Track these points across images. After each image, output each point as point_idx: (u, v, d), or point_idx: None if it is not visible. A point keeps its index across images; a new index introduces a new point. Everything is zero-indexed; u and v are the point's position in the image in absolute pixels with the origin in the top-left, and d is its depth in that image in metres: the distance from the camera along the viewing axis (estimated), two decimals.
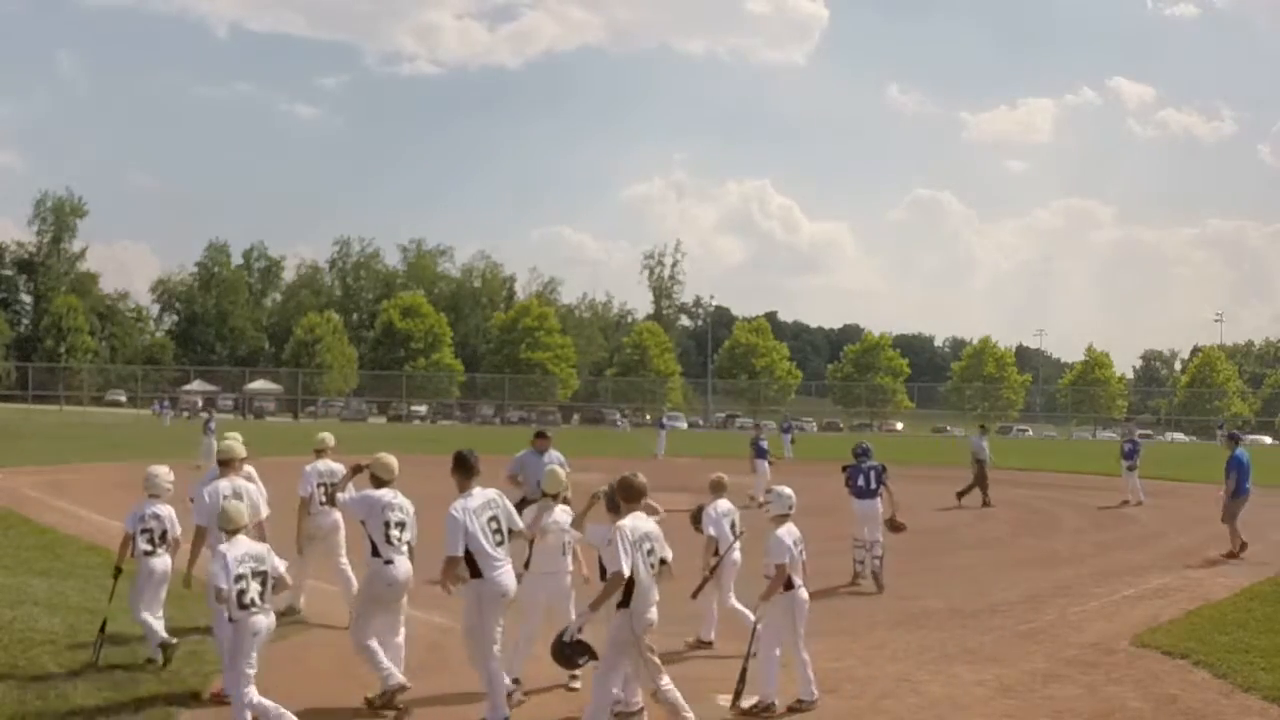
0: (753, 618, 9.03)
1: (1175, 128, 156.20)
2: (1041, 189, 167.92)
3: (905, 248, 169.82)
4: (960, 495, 22.50)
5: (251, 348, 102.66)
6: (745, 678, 7.48)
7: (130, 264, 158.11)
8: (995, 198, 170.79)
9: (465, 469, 7.22)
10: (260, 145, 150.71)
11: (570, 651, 6.47)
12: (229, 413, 68.85)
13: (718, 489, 9.47)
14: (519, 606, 7.85)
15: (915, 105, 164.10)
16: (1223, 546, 15.57)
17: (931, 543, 17.19)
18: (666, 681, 6.66)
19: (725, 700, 7.57)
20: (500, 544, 7.09)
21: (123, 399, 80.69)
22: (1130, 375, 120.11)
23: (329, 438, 10.66)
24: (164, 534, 8.26)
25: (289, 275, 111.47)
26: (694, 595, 8.53)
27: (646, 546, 6.63)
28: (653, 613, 6.65)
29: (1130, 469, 23.90)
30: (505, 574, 7.09)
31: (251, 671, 6.48)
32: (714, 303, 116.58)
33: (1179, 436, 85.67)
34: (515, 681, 7.74)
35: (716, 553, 8.92)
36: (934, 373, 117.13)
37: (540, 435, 11.84)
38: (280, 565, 6.75)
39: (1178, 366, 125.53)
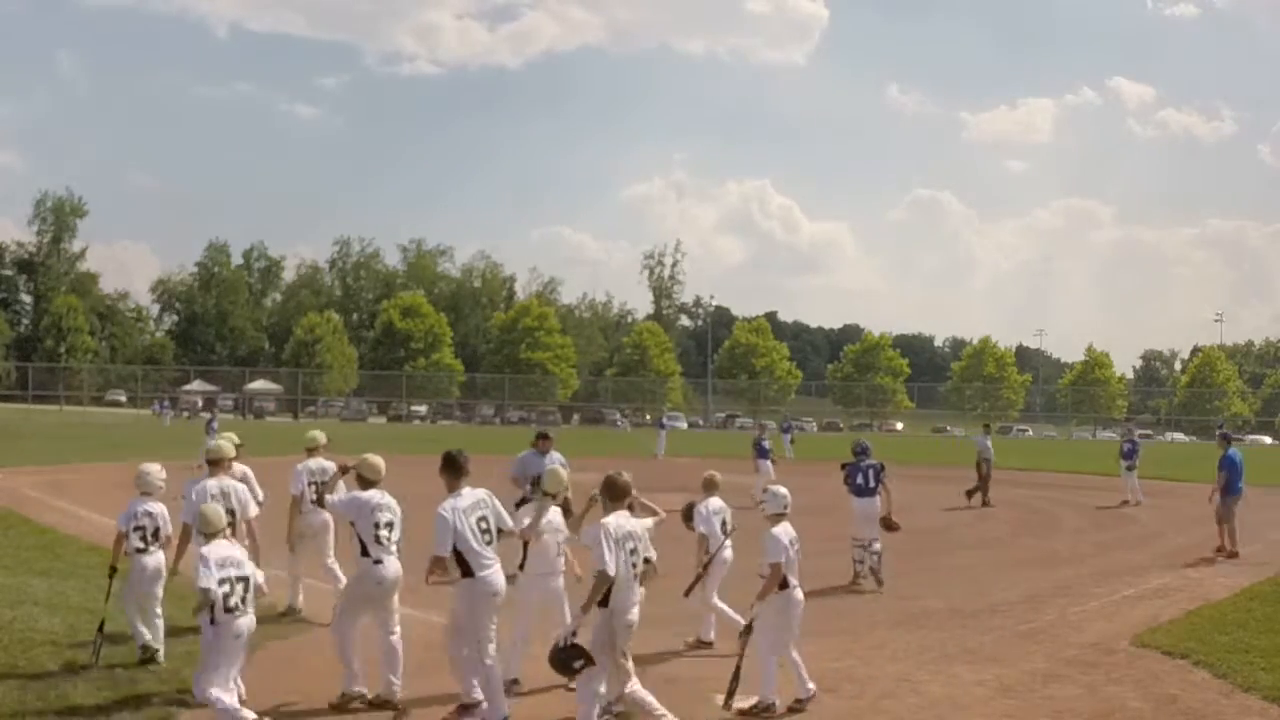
0: (732, 614, 9.08)
1: (1175, 128, 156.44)
2: (1041, 189, 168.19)
3: (905, 248, 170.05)
4: (970, 495, 22.45)
5: (251, 348, 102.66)
6: (738, 677, 7.48)
7: (130, 264, 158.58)
8: (995, 198, 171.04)
9: (454, 469, 7.23)
10: (260, 145, 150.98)
11: (566, 656, 6.47)
12: (229, 413, 68.80)
13: (709, 487, 9.48)
14: (514, 607, 7.86)
15: (915, 105, 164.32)
16: (1213, 545, 15.55)
17: (931, 543, 17.20)
18: (635, 684, 6.64)
19: (740, 701, 7.56)
20: (489, 543, 7.11)
21: (123, 399, 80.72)
22: (1130, 375, 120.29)
23: (320, 436, 10.70)
24: (156, 531, 8.27)
25: (289, 275, 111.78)
26: (686, 594, 8.54)
27: (630, 546, 6.63)
28: (634, 613, 6.65)
29: (1129, 469, 23.91)
30: (496, 573, 7.10)
31: (233, 672, 6.50)
32: (714, 303, 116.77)
33: (1179, 436, 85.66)
34: (514, 682, 7.75)
35: (708, 551, 8.93)
36: (934, 373, 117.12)
37: (543, 436, 11.81)
38: (259, 574, 6.79)
39: (1178, 366, 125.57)
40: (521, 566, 7.83)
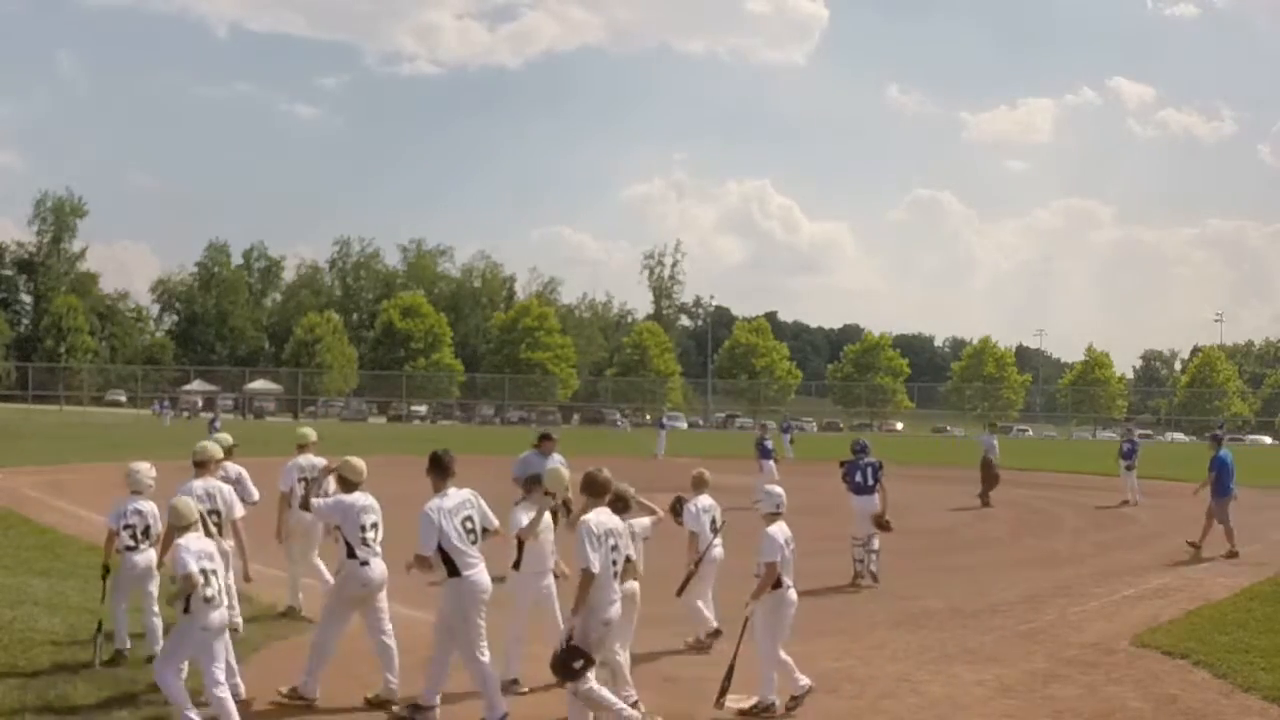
0: (707, 615, 9.08)
1: (1175, 128, 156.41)
2: (1041, 189, 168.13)
3: (905, 248, 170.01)
4: (987, 499, 22.34)
5: (251, 348, 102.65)
6: (730, 676, 7.48)
7: (130, 264, 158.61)
8: (995, 198, 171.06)
9: (440, 469, 7.26)
10: (260, 145, 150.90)
11: (566, 658, 6.47)
12: (229, 413, 68.81)
13: (699, 485, 9.49)
14: (508, 606, 7.88)
15: (915, 105, 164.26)
16: (1221, 546, 15.55)
17: (931, 543, 17.21)
18: (591, 683, 6.62)
19: (730, 700, 7.56)
20: (474, 543, 7.14)
21: (123, 399, 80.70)
22: (1130, 375, 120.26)
23: (310, 433, 10.81)
24: (147, 530, 8.28)
25: (289, 275, 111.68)
26: (679, 593, 8.54)
27: (611, 543, 6.65)
28: (613, 611, 6.65)
29: (1129, 469, 23.91)
30: (481, 572, 7.13)
31: (213, 667, 6.52)
32: (714, 303, 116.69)
33: (1179, 436, 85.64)
34: (514, 682, 7.75)
35: (698, 549, 8.94)
36: (934, 373, 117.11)
37: (546, 437, 11.80)
38: (231, 576, 6.89)
39: (1178, 366, 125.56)
40: (517, 566, 7.83)
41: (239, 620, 9.25)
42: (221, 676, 6.62)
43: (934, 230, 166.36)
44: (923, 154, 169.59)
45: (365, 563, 7.47)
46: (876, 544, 13.14)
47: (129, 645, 8.27)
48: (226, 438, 10.17)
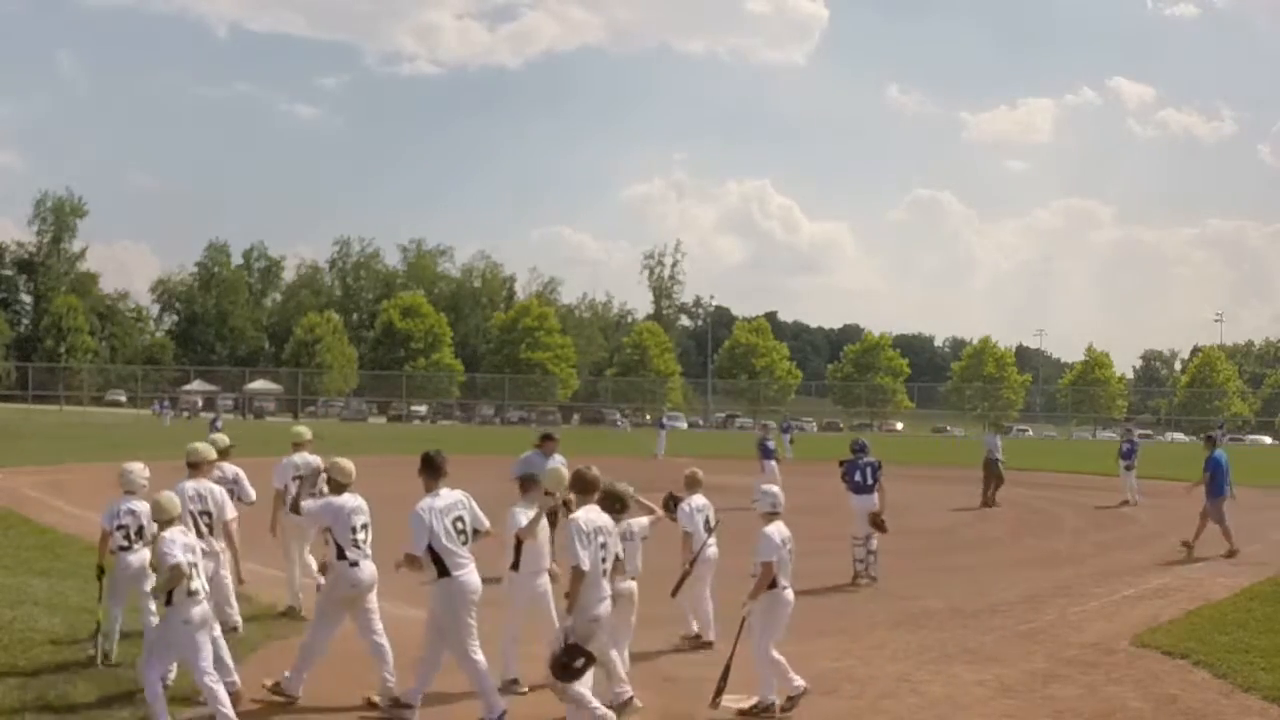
0: (690, 619, 9.06)
1: (1175, 128, 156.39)
2: (1041, 189, 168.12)
3: (905, 248, 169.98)
4: (993, 499, 22.26)
5: (251, 348, 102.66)
6: (726, 676, 7.47)
7: (130, 264, 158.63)
8: (995, 198, 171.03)
9: (432, 470, 7.27)
10: (260, 145, 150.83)
11: (567, 659, 6.47)
12: (229, 413, 68.81)
13: (692, 484, 9.49)
14: (505, 606, 7.88)
15: (915, 105, 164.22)
16: (1220, 546, 15.55)
17: (931, 543, 17.21)
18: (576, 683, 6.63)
19: (730, 700, 7.56)
20: (464, 543, 7.15)
21: (123, 399, 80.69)
22: (1130, 375, 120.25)
23: (305, 431, 10.86)
24: (140, 530, 8.28)
25: (289, 275, 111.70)
26: (674, 593, 8.53)
27: (600, 540, 6.66)
28: (602, 608, 6.65)
29: (1128, 469, 23.91)
30: (471, 573, 7.14)
31: (200, 661, 6.54)
32: (714, 303, 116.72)
33: (1179, 436, 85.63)
34: (513, 681, 7.75)
35: (692, 549, 8.94)
36: (934, 373, 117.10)
37: (548, 438, 11.83)
38: (206, 568, 6.89)
39: (1178, 366, 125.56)
40: (515, 566, 7.83)
41: (238, 620, 9.26)
42: (209, 667, 6.64)
43: (934, 230, 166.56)
44: (923, 154, 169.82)
45: (355, 564, 7.50)
46: (875, 544, 13.16)
47: (114, 650, 8.25)
48: (223, 438, 10.18)
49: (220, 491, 8.23)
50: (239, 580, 8.49)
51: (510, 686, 7.71)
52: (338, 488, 7.73)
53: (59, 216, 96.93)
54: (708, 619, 9.51)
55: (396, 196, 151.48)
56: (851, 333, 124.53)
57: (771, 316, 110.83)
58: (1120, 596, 12.34)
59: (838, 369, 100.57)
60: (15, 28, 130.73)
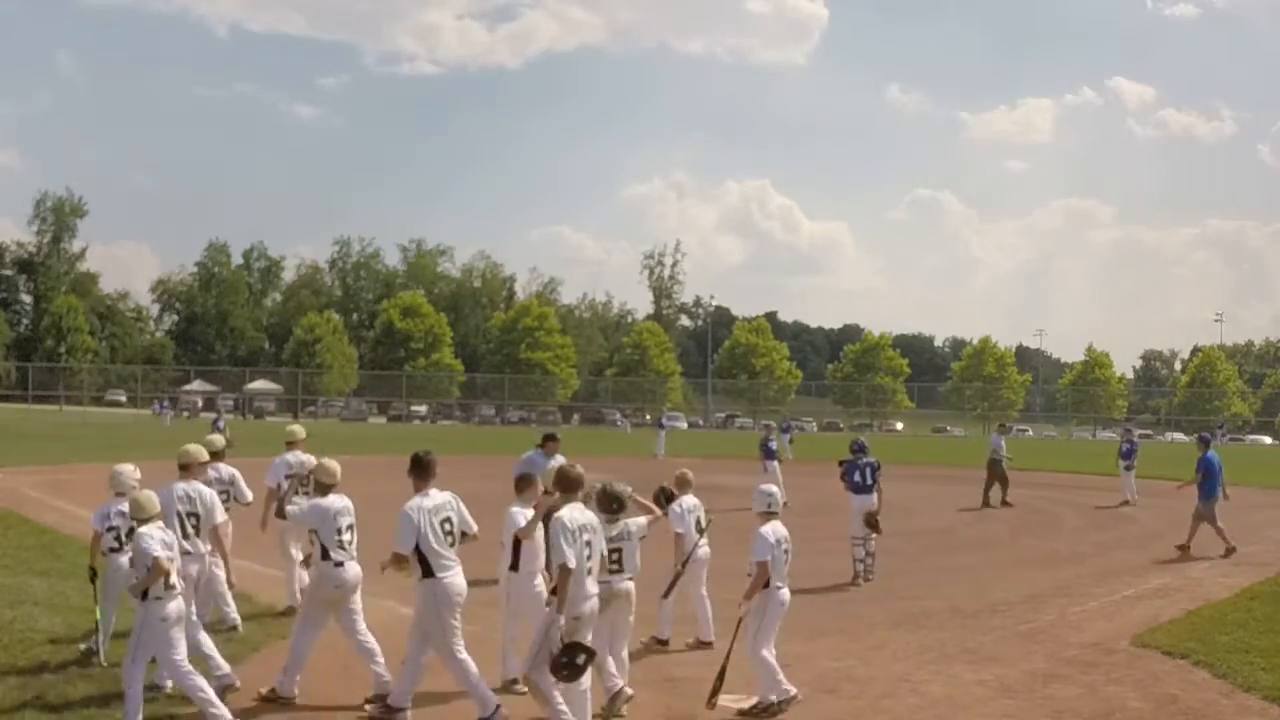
0: (666, 622, 9.11)
1: (1175, 128, 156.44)
2: (1041, 189, 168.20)
3: (905, 248, 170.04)
4: (1004, 501, 22.18)
5: (251, 348, 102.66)
6: (723, 676, 7.47)
7: (130, 264, 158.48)
8: (995, 198, 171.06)
9: (422, 470, 7.28)
10: (260, 145, 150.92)
11: (568, 658, 6.47)
12: (229, 413, 68.82)
13: (682, 485, 9.48)
14: (507, 607, 7.88)
15: (915, 105, 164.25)
16: (1218, 547, 15.56)
17: (931, 543, 17.22)
18: (545, 674, 6.64)
19: (729, 700, 7.55)
20: (451, 545, 7.16)
21: (123, 399, 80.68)
22: (1130, 375, 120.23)
23: (299, 430, 10.91)
24: (131, 531, 8.28)
25: (289, 275, 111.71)
26: (665, 595, 8.51)
27: (585, 538, 6.66)
28: (587, 605, 6.65)
29: (1128, 469, 23.91)
30: (456, 575, 7.14)
31: (175, 656, 6.57)
32: (714, 303, 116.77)
33: (1179, 436, 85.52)
34: (514, 682, 7.75)
35: (684, 550, 8.95)
36: (934, 373, 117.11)
37: (551, 438, 11.87)
38: (178, 560, 6.91)
39: (1178, 366, 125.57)
40: (515, 567, 7.83)
41: (237, 619, 9.28)
42: (184, 662, 6.66)
43: (934, 230, 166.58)
44: (923, 154, 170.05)
45: (340, 564, 7.54)
46: (873, 545, 13.21)
47: (103, 651, 8.25)
48: (218, 439, 10.21)
49: (210, 495, 8.18)
50: (229, 584, 8.52)
51: (510, 686, 7.72)
52: (323, 489, 7.79)
53: (59, 216, 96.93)
54: (706, 619, 9.52)
55: (396, 196, 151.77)
56: (851, 333, 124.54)
57: (771, 316, 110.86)
58: (1120, 596, 12.35)
59: (838, 369, 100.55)
60: (15, 28, 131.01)
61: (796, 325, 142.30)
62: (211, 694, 6.73)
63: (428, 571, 7.03)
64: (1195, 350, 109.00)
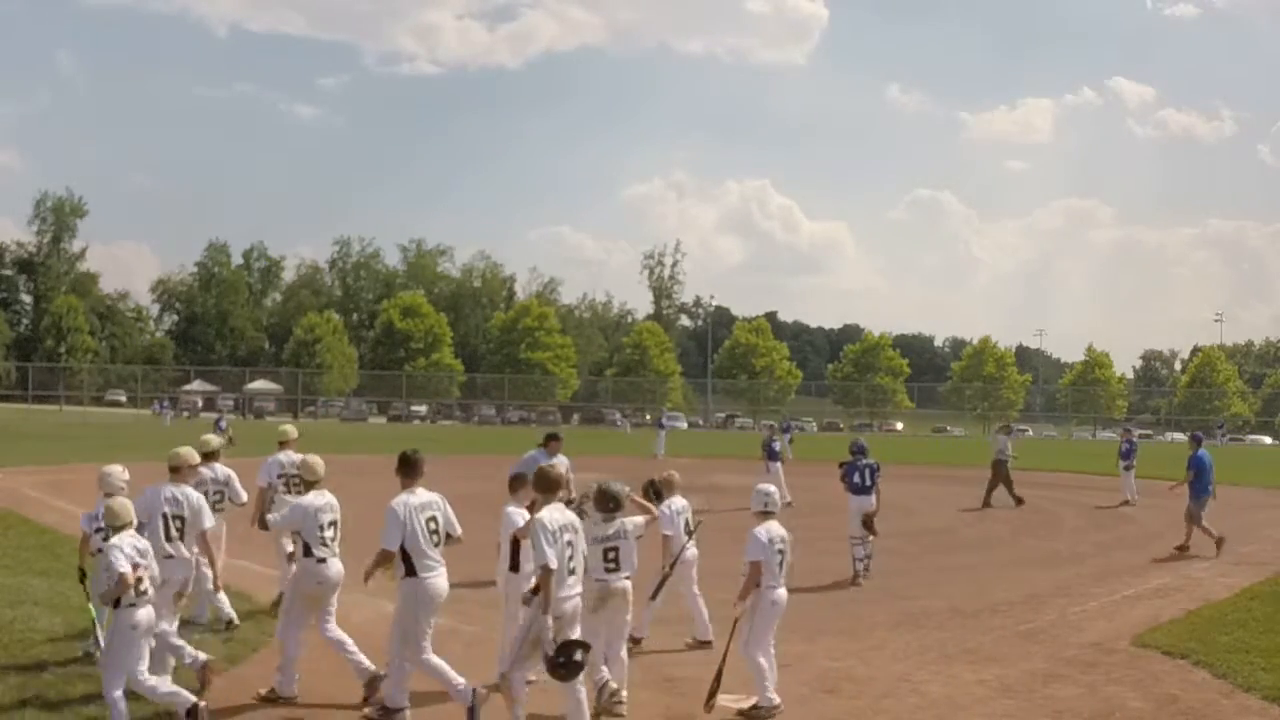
0: (645, 621, 9.04)
1: (1175, 128, 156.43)
2: (1041, 189, 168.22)
3: (905, 248, 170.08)
4: (1016, 499, 22.14)
5: (251, 348, 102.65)
6: (719, 678, 7.47)
7: (130, 264, 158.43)
8: (995, 198, 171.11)
9: (409, 468, 7.30)
10: (260, 145, 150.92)
11: (565, 657, 6.47)
12: (230, 413, 68.83)
13: (669, 486, 9.47)
14: (506, 609, 7.88)
15: (915, 105, 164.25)
16: (1213, 546, 15.56)
17: (931, 543, 17.21)
18: (518, 673, 6.65)
19: (729, 700, 7.55)
20: (436, 544, 7.16)
21: (123, 399, 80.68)
22: (1130, 375, 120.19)
23: (291, 430, 10.93)
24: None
25: (289, 275, 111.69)
26: (652, 596, 8.52)
27: (566, 538, 6.66)
28: (567, 606, 6.65)
29: (1127, 469, 23.91)
30: (439, 577, 7.14)
31: (140, 666, 6.57)
32: (714, 303, 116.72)
33: (1179, 437, 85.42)
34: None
35: (672, 552, 8.97)
36: (934, 373, 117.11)
37: (553, 438, 11.91)
38: (155, 566, 6.89)
39: (1178, 366, 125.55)
40: (515, 567, 7.83)
41: (231, 613, 9.28)
42: (144, 672, 6.64)
43: (934, 230, 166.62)
44: (923, 154, 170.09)
45: (322, 560, 7.57)
46: (870, 546, 13.25)
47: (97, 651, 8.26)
48: (212, 439, 10.21)
49: (198, 499, 8.14)
50: (216, 588, 8.59)
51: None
52: (307, 486, 7.84)
53: (59, 216, 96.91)
54: (703, 618, 9.53)
55: (396, 196, 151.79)
56: (851, 333, 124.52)
57: (771, 316, 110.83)
58: (1120, 596, 12.34)
59: (838, 369, 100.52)
60: (15, 28, 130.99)
61: (796, 325, 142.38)
62: (167, 691, 6.66)
63: (410, 570, 7.03)
64: (1195, 350, 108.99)
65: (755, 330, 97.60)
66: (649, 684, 8.09)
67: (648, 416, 79.48)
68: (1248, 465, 37.74)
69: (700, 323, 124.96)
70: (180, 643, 7.57)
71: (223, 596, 9.12)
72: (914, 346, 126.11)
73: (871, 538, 13.21)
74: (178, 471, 8.19)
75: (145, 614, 6.64)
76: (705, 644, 9.42)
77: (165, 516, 7.83)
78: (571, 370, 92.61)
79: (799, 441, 41.12)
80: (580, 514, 7.88)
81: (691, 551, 9.34)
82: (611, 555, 7.39)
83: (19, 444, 33.17)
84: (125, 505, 7.03)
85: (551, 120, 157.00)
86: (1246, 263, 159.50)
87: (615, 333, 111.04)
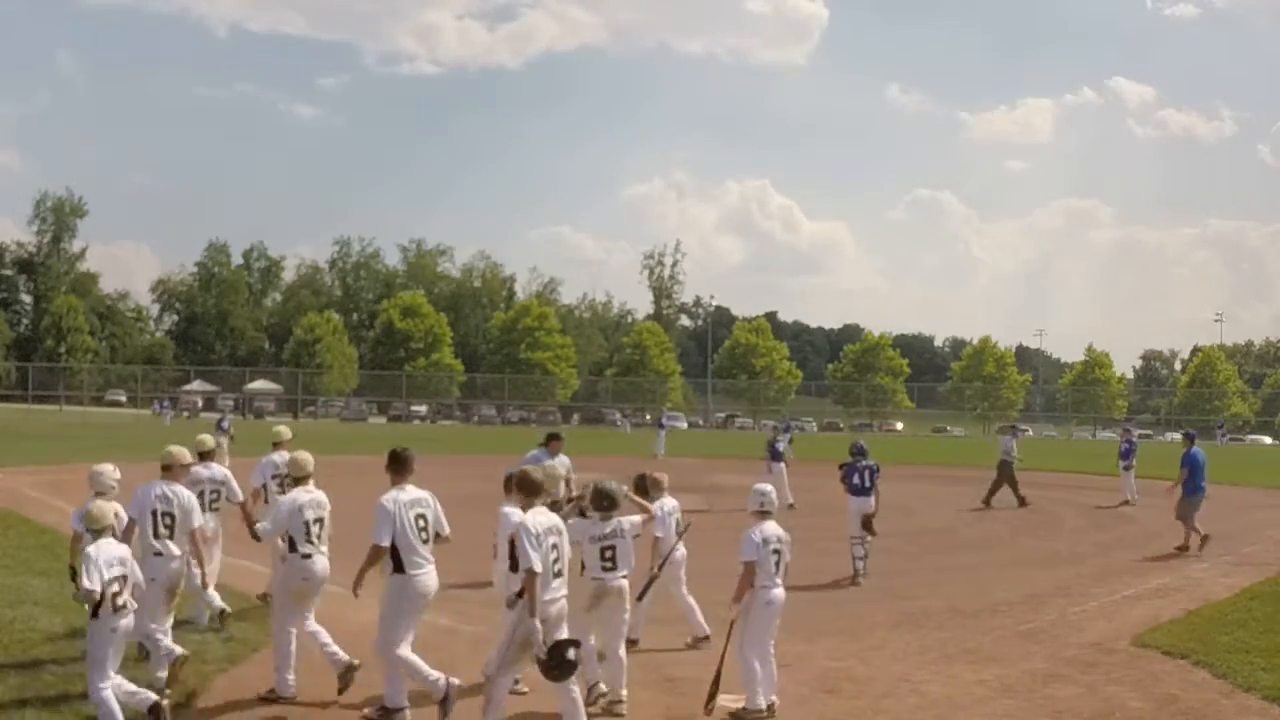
0: (636, 620, 8.94)
1: (1175, 128, 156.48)
2: (1041, 189, 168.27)
3: (905, 248, 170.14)
4: (1020, 500, 22.16)
5: (251, 348, 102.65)
6: (718, 680, 7.46)
7: (130, 264, 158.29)
8: (995, 198, 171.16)
9: (399, 465, 7.29)
10: (260, 145, 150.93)
11: (558, 658, 6.46)
12: (230, 413, 68.75)
13: (657, 488, 9.47)
14: (504, 607, 7.87)
15: (915, 105, 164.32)
16: (1213, 546, 15.56)
17: (931, 543, 17.22)
18: (503, 677, 6.66)
19: (729, 700, 7.55)
20: (425, 542, 7.16)
21: (123, 399, 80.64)
22: (1130, 375, 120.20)
23: (285, 430, 10.98)
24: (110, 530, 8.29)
25: (289, 275, 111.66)
26: (639, 597, 8.54)
27: (551, 540, 6.66)
28: (552, 609, 6.64)
29: (1127, 469, 23.91)
30: (428, 574, 7.14)
31: (112, 670, 6.55)
32: (714, 303, 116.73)
33: (1179, 437, 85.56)
34: (514, 681, 7.74)
35: (661, 553, 8.98)
36: (934, 373, 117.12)
37: (554, 437, 11.93)
38: (139, 572, 6.86)
39: (1178, 366, 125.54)
40: (514, 567, 7.82)
41: (222, 604, 9.28)
42: (113, 675, 6.61)
43: (934, 230, 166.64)
44: (923, 154, 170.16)
45: (307, 556, 7.60)
46: (869, 545, 13.27)
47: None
48: (208, 439, 10.21)
49: (189, 497, 8.14)
50: (204, 585, 8.60)
51: (511, 686, 7.70)
52: (294, 481, 7.88)
53: (59, 216, 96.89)
54: (696, 615, 9.55)
55: (396, 196, 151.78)
56: (851, 333, 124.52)
57: (771, 316, 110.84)
58: (1120, 596, 12.34)
59: (838, 369, 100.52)
60: (15, 28, 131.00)
61: (796, 325, 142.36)
62: (129, 691, 6.62)
63: (398, 567, 7.02)
64: (1195, 350, 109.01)
65: (755, 330, 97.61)
66: (649, 684, 8.09)
67: (648, 416, 79.48)
68: (1248, 465, 37.76)
69: (700, 323, 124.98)
70: (159, 640, 7.55)
71: (212, 593, 9.12)
72: (914, 346, 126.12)
73: (870, 538, 13.26)
74: (169, 470, 8.21)
75: (125, 622, 6.63)
76: (703, 639, 9.42)
77: (155, 514, 7.84)
78: (571, 370, 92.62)
79: (799, 441, 41.12)
80: (582, 513, 7.90)
81: (680, 552, 9.38)
82: (608, 554, 7.41)
83: (19, 444, 33.17)
84: (105, 509, 7.00)
85: (551, 120, 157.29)
86: (1246, 263, 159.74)
87: (615, 333, 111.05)
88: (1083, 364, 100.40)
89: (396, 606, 7.06)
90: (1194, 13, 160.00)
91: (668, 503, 9.43)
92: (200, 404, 72.99)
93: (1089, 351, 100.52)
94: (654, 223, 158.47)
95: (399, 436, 47.29)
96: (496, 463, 11.73)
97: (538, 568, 6.45)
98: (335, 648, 7.58)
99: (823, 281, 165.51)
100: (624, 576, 7.48)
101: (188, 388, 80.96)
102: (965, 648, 9.68)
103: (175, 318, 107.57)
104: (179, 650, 7.50)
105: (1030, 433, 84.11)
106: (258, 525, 8.27)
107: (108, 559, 6.57)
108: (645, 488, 9.13)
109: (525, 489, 6.91)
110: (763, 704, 7.47)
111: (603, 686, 7.43)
